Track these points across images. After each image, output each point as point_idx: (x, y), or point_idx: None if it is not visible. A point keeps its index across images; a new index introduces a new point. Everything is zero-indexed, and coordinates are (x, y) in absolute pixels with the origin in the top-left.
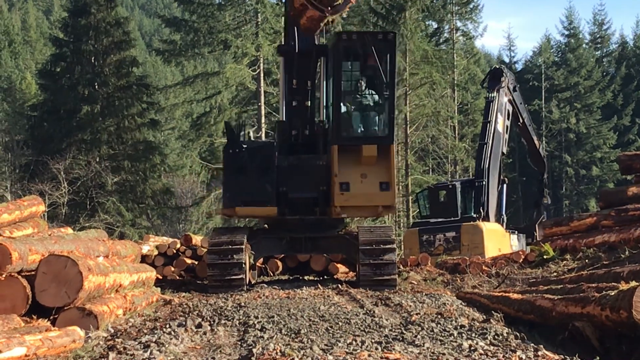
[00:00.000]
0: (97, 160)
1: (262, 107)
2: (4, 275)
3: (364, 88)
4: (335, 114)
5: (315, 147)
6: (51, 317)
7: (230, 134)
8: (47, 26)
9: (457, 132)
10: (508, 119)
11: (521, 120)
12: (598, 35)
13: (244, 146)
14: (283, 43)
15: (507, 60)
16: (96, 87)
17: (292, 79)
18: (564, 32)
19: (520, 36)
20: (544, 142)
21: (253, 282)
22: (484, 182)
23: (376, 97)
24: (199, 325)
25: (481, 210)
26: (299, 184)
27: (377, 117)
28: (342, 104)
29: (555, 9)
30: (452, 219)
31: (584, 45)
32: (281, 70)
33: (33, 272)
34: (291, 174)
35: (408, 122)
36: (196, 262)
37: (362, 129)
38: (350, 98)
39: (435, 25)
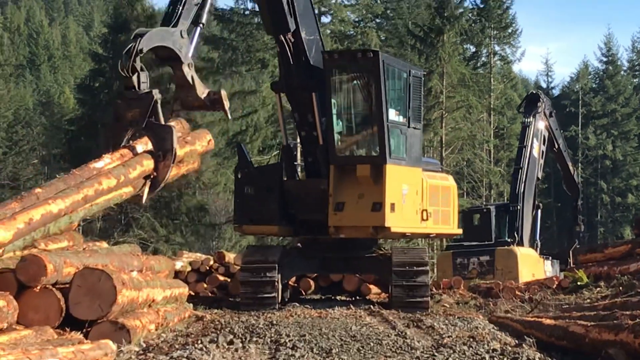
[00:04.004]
0: None
1: None
2: (38, 287)
3: (353, 107)
4: (329, 134)
5: (322, 171)
6: (84, 330)
7: (241, 155)
8: (86, 41)
9: (492, 156)
10: (544, 144)
11: (557, 146)
12: (636, 63)
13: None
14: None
15: (544, 85)
16: None
17: (293, 113)
18: (602, 59)
19: (559, 62)
20: (579, 168)
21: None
22: (518, 207)
23: (367, 116)
24: (231, 342)
25: (515, 235)
26: (306, 206)
27: (368, 136)
28: (333, 124)
29: (595, 35)
30: (486, 242)
31: (622, 72)
32: (277, 103)
33: (67, 285)
34: (298, 197)
35: (444, 145)
36: (229, 280)
37: (355, 149)
38: (341, 117)
39: (473, 48)
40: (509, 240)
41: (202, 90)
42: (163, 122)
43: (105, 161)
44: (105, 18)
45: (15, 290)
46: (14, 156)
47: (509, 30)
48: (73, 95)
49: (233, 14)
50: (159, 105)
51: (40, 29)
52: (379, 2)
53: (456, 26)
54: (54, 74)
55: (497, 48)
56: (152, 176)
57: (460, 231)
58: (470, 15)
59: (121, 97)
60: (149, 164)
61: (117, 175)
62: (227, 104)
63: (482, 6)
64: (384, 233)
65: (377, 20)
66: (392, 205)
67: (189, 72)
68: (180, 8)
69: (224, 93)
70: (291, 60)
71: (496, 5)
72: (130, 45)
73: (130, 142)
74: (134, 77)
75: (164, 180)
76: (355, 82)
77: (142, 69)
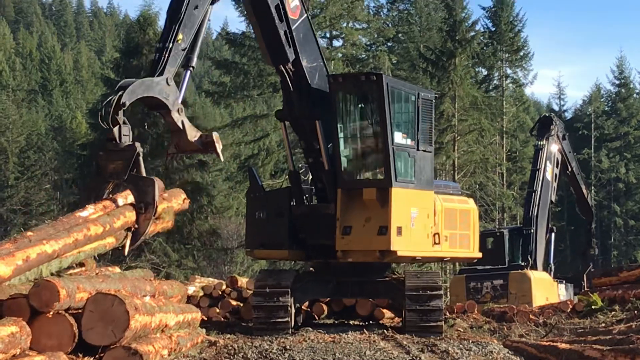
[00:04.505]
0: None
1: None
2: (51, 313)
3: (359, 130)
4: (336, 158)
5: (329, 196)
6: (97, 356)
7: (252, 179)
8: (98, 66)
9: (505, 179)
10: (557, 167)
11: (570, 169)
12: None
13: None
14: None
15: (556, 108)
16: (146, 127)
17: (300, 140)
18: (615, 82)
19: (571, 85)
20: (592, 191)
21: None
22: (532, 230)
23: (372, 139)
24: None
25: (529, 259)
26: (315, 231)
27: (374, 160)
28: (340, 147)
29: (607, 58)
30: (500, 266)
31: (634, 95)
32: (282, 131)
33: (80, 310)
34: (307, 221)
35: (456, 168)
36: (241, 304)
37: (362, 172)
38: (348, 141)
39: (485, 72)
40: (522, 264)
41: (193, 134)
42: (145, 175)
43: (90, 211)
44: (117, 43)
45: (28, 315)
46: (26, 181)
47: (521, 54)
48: (85, 120)
49: (244, 38)
50: (141, 158)
51: (52, 54)
52: (390, 25)
53: (468, 49)
54: (66, 99)
55: (509, 71)
56: (132, 228)
57: (480, 255)
58: (481, 38)
59: (103, 148)
60: (131, 215)
61: (103, 223)
62: (219, 147)
63: (493, 29)
64: (391, 257)
65: (389, 44)
66: (399, 228)
67: (179, 118)
68: (166, 55)
69: (216, 135)
70: (292, 89)
71: (508, 29)
72: (110, 98)
73: (111, 195)
74: (115, 130)
75: (144, 234)
76: (360, 105)
77: (124, 122)
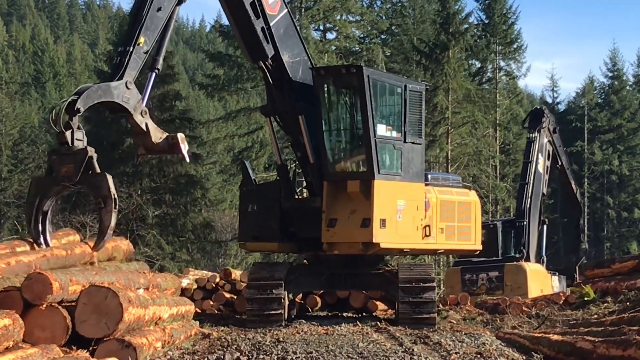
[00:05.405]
0: (139, 193)
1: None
2: (44, 305)
3: (342, 123)
4: (321, 151)
5: (316, 189)
6: (90, 348)
7: (244, 173)
8: (92, 59)
9: (498, 171)
10: (548, 159)
11: (560, 163)
12: None
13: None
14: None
15: (549, 100)
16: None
17: (287, 135)
18: (608, 74)
19: (565, 77)
20: (585, 183)
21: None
22: (524, 223)
23: (355, 131)
24: (237, 359)
25: (522, 251)
26: (303, 224)
27: (358, 152)
28: (325, 140)
29: (600, 50)
30: (495, 258)
31: (627, 87)
32: (268, 126)
33: (73, 303)
34: (296, 215)
35: (449, 161)
36: (235, 297)
37: (347, 165)
38: (332, 133)
39: (478, 64)
40: (517, 255)
41: (158, 136)
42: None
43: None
44: (110, 35)
45: (21, 308)
46: (20, 174)
47: (514, 46)
48: None
49: None
50: (94, 161)
51: (45, 46)
52: (384, 18)
53: (461, 42)
54: (60, 91)
55: (502, 63)
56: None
57: (480, 247)
58: (475, 30)
59: (55, 152)
60: (87, 248)
61: (64, 247)
62: (184, 147)
63: (487, 22)
64: (374, 249)
65: (383, 37)
66: (383, 221)
67: (142, 121)
68: (127, 59)
69: (181, 136)
70: (274, 84)
71: (501, 21)
72: (62, 101)
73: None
74: (68, 134)
75: (109, 227)
76: (342, 97)
77: (79, 128)
